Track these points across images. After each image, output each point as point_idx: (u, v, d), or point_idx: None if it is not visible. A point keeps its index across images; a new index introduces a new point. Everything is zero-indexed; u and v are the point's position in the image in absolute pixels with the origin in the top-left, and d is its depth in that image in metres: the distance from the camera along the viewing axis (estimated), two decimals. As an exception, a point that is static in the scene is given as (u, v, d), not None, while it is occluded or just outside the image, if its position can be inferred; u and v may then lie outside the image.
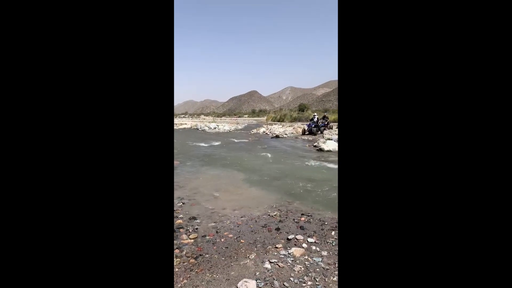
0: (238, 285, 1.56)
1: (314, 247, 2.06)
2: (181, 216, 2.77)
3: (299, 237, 2.23)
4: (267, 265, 1.80)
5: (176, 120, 35.18)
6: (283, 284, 1.60)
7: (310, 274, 1.69)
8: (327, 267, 1.78)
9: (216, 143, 10.00)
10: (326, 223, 2.54)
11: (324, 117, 14.72)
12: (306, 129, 12.84)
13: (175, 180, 4.46)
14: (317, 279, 1.64)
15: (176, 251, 2.03)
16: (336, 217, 2.68)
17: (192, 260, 1.89)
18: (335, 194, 3.46)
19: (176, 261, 1.89)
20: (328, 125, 13.76)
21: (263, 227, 2.47)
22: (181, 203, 3.20)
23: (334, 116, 19.29)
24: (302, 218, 2.66)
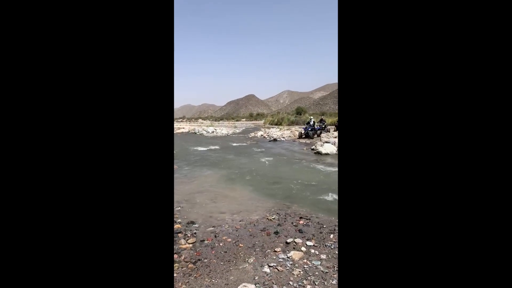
0: (237, 289, 1.55)
1: (313, 251, 2.06)
2: (179, 220, 2.75)
3: (297, 240, 2.22)
4: (266, 269, 1.79)
5: (174, 124, 35.01)
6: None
7: (309, 278, 1.69)
8: (326, 270, 1.78)
9: (214, 147, 9.98)
10: (324, 226, 2.54)
11: (321, 120, 14.78)
12: (302, 132, 12.67)
13: (173, 184, 4.43)
14: (316, 283, 1.64)
15: (175, 256, 2.02)
16: (334, 220, 2.68)
17: (190, 265, 1.88)
18: (333, 197, 3.46)
19: (174, 266, 1.88)
20: (326, 128, 13.81)
21: (261, 231, 2.46)
22: (179, 207, 3.18)
23: (331, 119, 19.37)
24: (301, 222, 2.66)
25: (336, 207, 3.07)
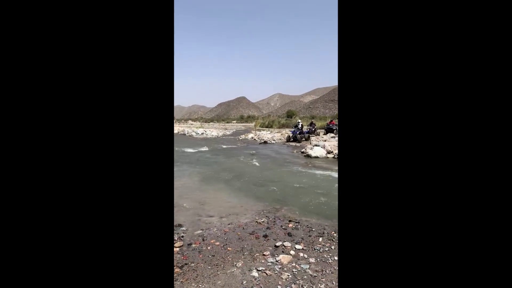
0: (225, 294, 1.52)
1: (301, 254, 2.05)
2: (166, 223, 2.69)
3: (286, 244, 2.21)
4: (255, 273, 1.77)
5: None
6: (271, 292, 1.57)
7: (297, 282, 1.68)
8: (315, 274, 1.77)
9: (204, 149, 9.89)
10: (313, 229, 2.54)
11: (311, 124, 14.92)
12: (290, 136, 12.24)
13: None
14: (305, 287, 1.62)
15: (161, 261, 1.96)
16: (323, 223, 2.69)
17: (177, 270, 1.83)
18: (322, 200, 3.48)
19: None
20: (315, 132, 13.95)
21: (250, 234, 2.44)
22: (167, 210, 3.11)
23: (321, 123, 19.61)
24: (290, 225, 2.65)
25: (324, 210, 3.08)
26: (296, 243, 2.23)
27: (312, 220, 2.78)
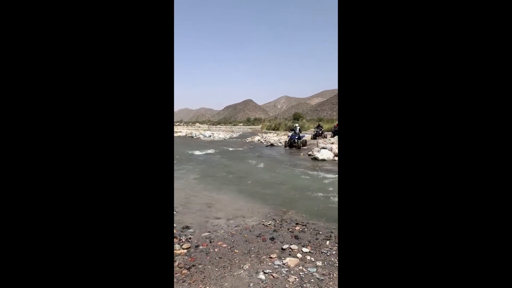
0: (232, 296, 1.53)
1: (308, 257, 2.04)
2: (174, 225, 2.72)
3: (293, 246, 2.21)
4: (261, 276, 1.77)
5: (170, 128, 34.88)
6: (278, 295, 1.57)
7: (305, 285, 1.67)
8: (322, 277, 1.76)
9: (211, 151, 9.95)
10: (320, 232, 2.52)
11: (318, 126, 14.82)
12: (287, 141, 11.03)
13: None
14: (312, 290, 1.62)
15: (169, 262, 1.99)
16: (331, 226, 2.67)
17: (184, 271, 1.85)
18: (330, 203, 3.46)
19: (168, 272, 1.85)
20: (323, 134, 13.86)
21: (257, 236, 2.44)
22: (175, 212, 3.15)
23: (328, 125, 19.47)
24: (297, 228, 2.64)
25: (332, 213, 3.06)
26: (303, 246, 2.22)
27: (319, 223, 2.77)
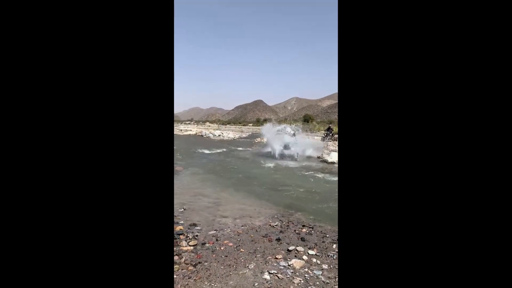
0: (236, 295, 1.54)
1: (314, 260, 2.03)
2: (182, 222, 2.76)
3: (299, 248, 2.20)
4: (266, 276, 1.77)
5: (181, 126, 35.45)
6: (282, 296, 1.57)
7: (309, 287, 1.66)
8: (327, 281, 1.75)
9: (220, 150, 10.01)
10: (327, 235, 2.50)
11: (328, 128, 14.66)
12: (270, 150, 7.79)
13: (176, 186, 4.46)
14: (317, 293, 1.61)
15: (175, 258, 2.02)
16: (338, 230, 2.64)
17: (190, 268, 1.87)
18: (337, 207, 3.42)
19: (175, 267, 1.87)
20: (333, 137, 13.70)
21: (263, 237, 2.44)
22: (182, 209, 3.19)
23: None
24: (303, 230, 2.63)
25: (340, 216, 3.02)
26: (309, 248, 2.21)
27: (327, 227, 2.74)
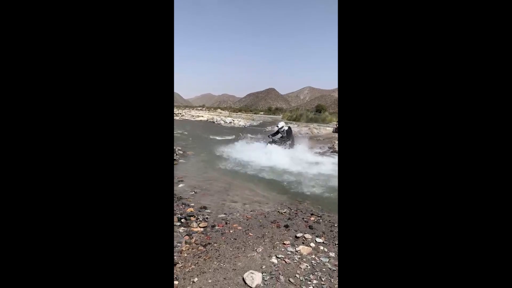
0: (244, 276, 1.59)
1: (322, 247, 2.05)
2: (193, 204, 2.83)
3: (307, 236, 2.22)
4: (274, 260, 1.81)
5: (193, 112, 35.75)
6: (289, 279, 1.61)
7: (316, 273, 1.69)
8: (334, 268, 1.77)
9: (230, 137, 10.07)
10: (335, 225, 2.51)
11: (278, 132, 14.16)
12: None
13: (187, 169, 4.55)
14: (323, 279, 1.64)
15: (186, 238, 2.09)
16: (347, 220, 2.65)
17: (200, 248, 1.94)
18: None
19: (185, 247, 1.94)
20: (286, 143, 13.32)
21: (272, 222, 2.48)
22: (193, 192, 3.27)
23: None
24: (312, 218, 2.65)
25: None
26: (317, 236, 2.23)
27: (335, 216, 2.75)
